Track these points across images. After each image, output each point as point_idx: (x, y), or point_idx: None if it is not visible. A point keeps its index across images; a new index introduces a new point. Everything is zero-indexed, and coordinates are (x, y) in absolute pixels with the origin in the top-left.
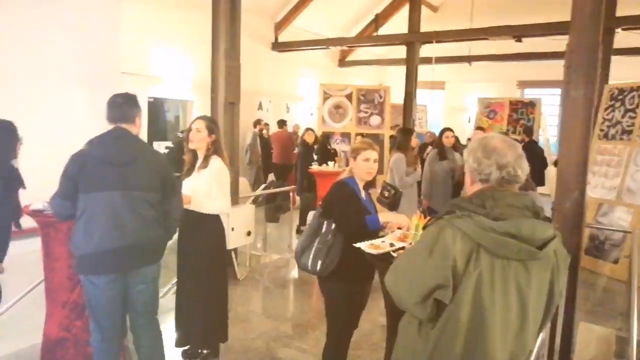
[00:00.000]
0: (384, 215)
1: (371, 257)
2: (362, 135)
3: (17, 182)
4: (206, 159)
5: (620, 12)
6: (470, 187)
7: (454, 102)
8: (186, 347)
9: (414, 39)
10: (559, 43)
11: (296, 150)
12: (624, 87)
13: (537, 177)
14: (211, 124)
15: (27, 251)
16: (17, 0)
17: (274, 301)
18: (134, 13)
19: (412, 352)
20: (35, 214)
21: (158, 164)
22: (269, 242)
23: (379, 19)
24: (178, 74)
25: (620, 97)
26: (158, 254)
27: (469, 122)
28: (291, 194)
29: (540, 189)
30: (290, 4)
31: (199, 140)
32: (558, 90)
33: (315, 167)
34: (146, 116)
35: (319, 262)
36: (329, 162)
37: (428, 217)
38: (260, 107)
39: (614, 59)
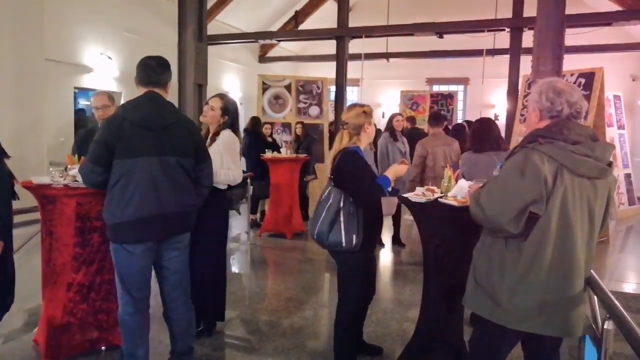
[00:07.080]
0: (389, 173)
1: (420, 206)
2: (302, 123)
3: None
4: (215, 134)
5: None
6: (538, 124)
7: (369, 98)
8: None
9: (343, 33)
10: (468, 40)
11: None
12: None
13: None
14: (227, 105)
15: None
16: None
17: (244, 281)
18: None
19: (501, 265)
20: (38, 188)
21: (192, 130)
22: None
23: (299, 16)
24: (106, 64)
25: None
26: (191, 222)
27: (383, 117)
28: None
29: None
30: None
31: (210, 117)
32: (462, 87)
33: (268, 154)
34: (72, 107)
35: (354, 236)
36: (281, 150)
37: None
38: None
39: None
